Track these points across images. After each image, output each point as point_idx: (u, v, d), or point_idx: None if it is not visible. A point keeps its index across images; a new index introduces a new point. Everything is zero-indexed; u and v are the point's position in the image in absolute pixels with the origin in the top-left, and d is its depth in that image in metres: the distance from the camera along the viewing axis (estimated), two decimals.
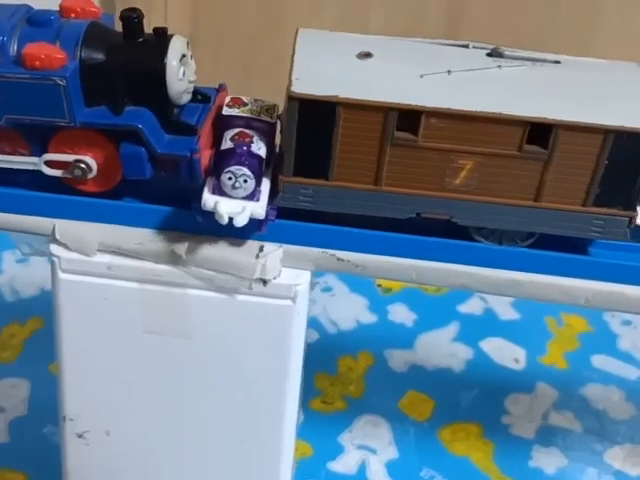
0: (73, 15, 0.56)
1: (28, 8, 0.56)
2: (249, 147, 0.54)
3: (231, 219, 0.53)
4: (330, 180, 0.55)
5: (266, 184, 0.55)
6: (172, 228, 0.58)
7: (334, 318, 1.11)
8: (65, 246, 0.58)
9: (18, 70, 0.52)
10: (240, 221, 0.53)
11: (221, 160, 0.54)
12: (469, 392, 1.02)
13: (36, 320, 1.05)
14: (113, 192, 0.58)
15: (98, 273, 0.59)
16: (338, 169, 0.54)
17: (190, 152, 0.54)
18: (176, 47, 0.54)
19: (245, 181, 0.53)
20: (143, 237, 0.58)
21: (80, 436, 0.66)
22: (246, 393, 0.63)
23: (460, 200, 0.55)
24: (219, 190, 0.53)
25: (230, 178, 0.53)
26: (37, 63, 0.52)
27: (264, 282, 0.58)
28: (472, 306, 1.15)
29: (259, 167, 0.54)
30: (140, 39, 0.54)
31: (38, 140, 0.56)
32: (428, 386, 1.02)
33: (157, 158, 0.55)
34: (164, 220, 0.58)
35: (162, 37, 0.54)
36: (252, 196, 0.54)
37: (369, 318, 1.12)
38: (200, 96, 0.57)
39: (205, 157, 0.55)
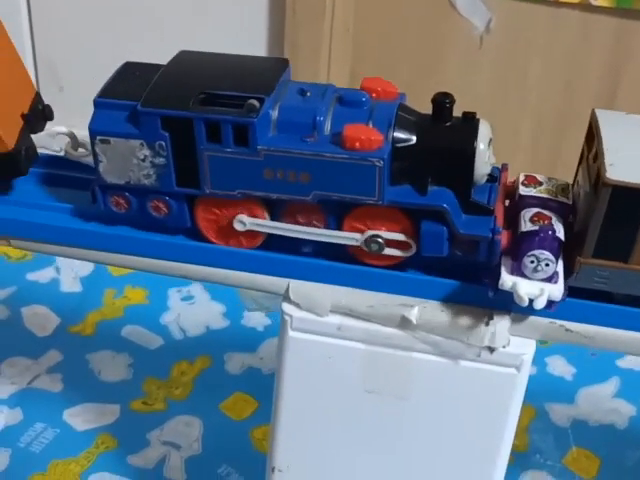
0: (374, 95, 0.57)
1: (335, 87, 0.58)
2: (553, 230, 0.54)
3: (530, 301, 0.53)
4: (629, 263, 0.55)
5: (561, 265, 0.56)
6: (406, 294, 0.59)
7: None
8: (298, 306, 0.60)
9: (336, 150, 0.54)
10: (540, 304, 0.53)
11: (523, 242, 0.54)
12: (635, 451, 1.00)
13: (204, 358, 1.07)
14: None
15: (327, 333, 0.60)
16: (639, 253, 0.54)
17: (492, 233, 0.55)
18: (484, 131, 0.55)
19: (547, 265, 0.54)
20: (375, 300, 0.59)
21: None
22: (457, 456, 0.64)
23: None
24: (517, 271, 0.54)
25: (532, 261, 0.54)
26: (357, 144, 0.53)
27: (491, 350, 0.58)
28: (632, 361, 1.13)
29: (559, 250, 0.54)
30: (449, 122, 0.56)
31: (335, 213, 0.58)
32: (592, 443, 1.01)
33: (456, 237, 0.56)
34: (401, 286, 0.59)
35: (471, 121, 0.55)
36: (550, 278, 0.54)
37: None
38: (488, 176, 0.58)
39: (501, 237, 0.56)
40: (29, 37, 1.44)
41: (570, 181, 0.60)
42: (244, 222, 0.58)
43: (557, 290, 0.54)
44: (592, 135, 0.57)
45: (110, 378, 1.04)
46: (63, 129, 0.63)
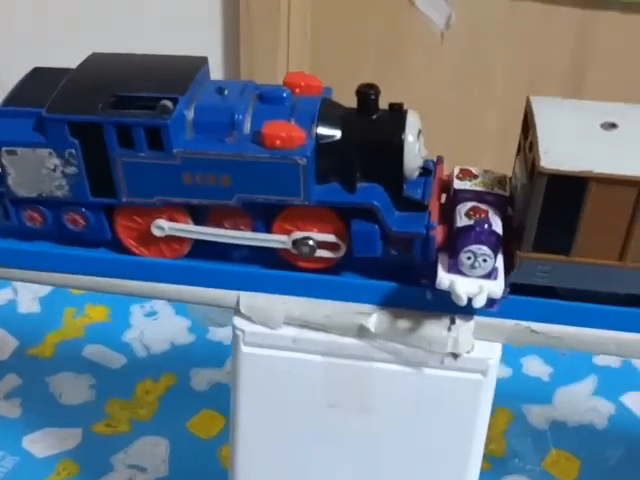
0: (298, 90, 0.55)
1: (255, 84, 0.55)
2: (490, 224, 0.51)
3: (469, 299, 0.50)
4: (571, 256, 0.52)
5: (500, 260, 0.53)
6: (365, 301, 0.56)
7: None
8: (249, 319, 0.57)
9: (257, 149, 0.51)
10: (479, 302, 0.50)
11: (458, 237, 0.51)
12: (615, 450, 0.98)
13: (169, 376, 1.04)
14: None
15: (282, 346, 0.57)
16: (581, 244, 0.51)
17: (426, 229, 0.52)
18: (412, 122, 0.52)
19: (485, 260, 0.50)
20: (331, 310, 0.56)
21: None
22: (427, 467, 0.61)
23: None
24: (454, 268, 0.51)
25: (469, 257, 0.50)
26: (277, 142, 0.50)
27: (455, 356, 0.55)
28: (609, 358, 1.10)
29: (497, 245, 0.51)
30: (374, 115, 0.53)
31: (262, 216, 0.55)
32: (571, 444, 0.98)
33: (389, 236, 0.53)
34: (355, 292, 0.56)
35: (398, 112, 0.52)
36: (489, 275, 0.51)
37: (504, 371, 1.08)
38: (422, 169, 0.55)
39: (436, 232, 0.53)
40: None
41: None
42: (163, 227, 0.55)
43: (497, 287, 0.51)
44: (528, 124, 0.54)
45: (71, 401, 1.00)
46: None
